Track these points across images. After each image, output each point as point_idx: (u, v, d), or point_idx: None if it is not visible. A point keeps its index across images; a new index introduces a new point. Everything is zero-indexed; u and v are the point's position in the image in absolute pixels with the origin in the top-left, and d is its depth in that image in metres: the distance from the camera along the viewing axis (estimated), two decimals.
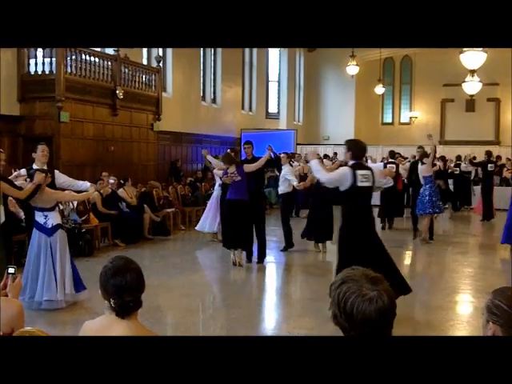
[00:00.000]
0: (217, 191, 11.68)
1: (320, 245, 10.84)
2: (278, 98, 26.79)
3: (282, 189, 11.08)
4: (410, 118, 31.13)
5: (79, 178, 12.61)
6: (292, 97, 27.62)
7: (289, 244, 10.86)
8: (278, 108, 26.79)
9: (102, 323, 2.59)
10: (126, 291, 2.48)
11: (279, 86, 26.78)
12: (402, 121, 31.64)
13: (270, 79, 26.40)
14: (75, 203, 11.25)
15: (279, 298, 8.00)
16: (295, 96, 28.34)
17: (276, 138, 22.34)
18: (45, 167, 7.36)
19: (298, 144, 23.75)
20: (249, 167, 9.30)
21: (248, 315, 6.91)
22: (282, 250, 10.81)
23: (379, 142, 26.13)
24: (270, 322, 6.93)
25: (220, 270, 9.60)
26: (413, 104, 31.14)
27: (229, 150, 11.83)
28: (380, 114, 31.78)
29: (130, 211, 12.13)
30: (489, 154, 16.79)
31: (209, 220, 11.80)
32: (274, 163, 10.53)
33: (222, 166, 9.94)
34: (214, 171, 10.34)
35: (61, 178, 7.87)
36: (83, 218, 10.92)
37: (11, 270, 3.08)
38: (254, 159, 9.77)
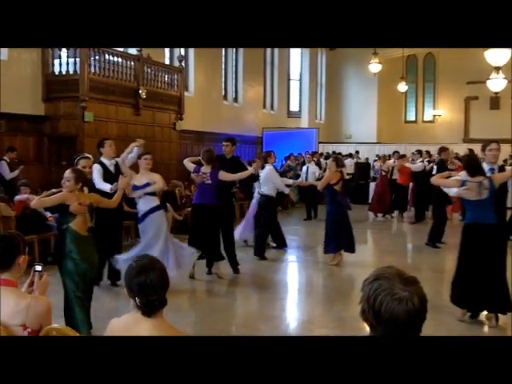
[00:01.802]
0: (256, 199, 10.74)
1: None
2: (300, 96, 26.72)
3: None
4: (434, 116, 30.83)
5: None
6: (314, 95, 27.52)
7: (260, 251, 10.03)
8: (300, 106, 26.72)
9: (128, 321, 2.62)
10: (150, 290, 2.50)
11: (301, 84, 26.71)
12: (425, 119, 31.35)
13: (291, 78, 26.35)
14: None
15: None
16: (317, 94, 28.24)
17: (297, 137, 22.32)
18: (113, 161, 7.85)
19: (319, 142, 23.67)
20: (226, 176, 8.20)
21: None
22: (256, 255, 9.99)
23: (402, 140, 25.90)
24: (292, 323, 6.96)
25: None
26: (436, 102, 30.84)
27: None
28: (403, 112, 31.52)
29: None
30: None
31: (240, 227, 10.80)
32: (256, 178, 9.34)
33: (194, 159, 8.82)
34: (185, 161, 8.79)
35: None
36: None
37: (38, 268, 3.15)
38: (233, 160, 9.00)
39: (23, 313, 2.89)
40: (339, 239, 9.36)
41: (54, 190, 5.70)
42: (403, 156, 16.23)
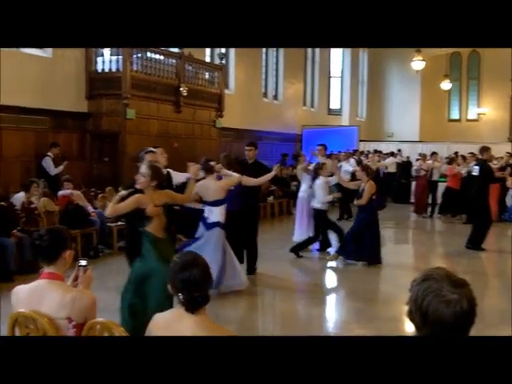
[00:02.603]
0: (303, 193, 10.58)
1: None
2: (341, 93, 26.50)
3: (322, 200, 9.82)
4: (478, 114, 30.21)
5: None
6: (355, 92, 27.27)
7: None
8: (341, 104, 26.50)
9: (172, 317, 2.65)
10: (193, 286, 2.52)
11: (342, 81, 26.48)
12: (469, 117, 30.74)
13: (332, 75, 26.15)
14: None
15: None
16: (358, 91, 27.96)
17: (338, 135, 22.12)
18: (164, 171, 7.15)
19: (360, 141, 23.43)
20: (248, 181, 7.83)
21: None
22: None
23: (446, 138, 25.49)
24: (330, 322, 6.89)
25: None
26: (480, 100, 30.20)
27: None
28: (446, 111, 30.97)
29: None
30: None
31: (297, 228, 10.74)
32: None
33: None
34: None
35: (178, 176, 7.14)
36: None
37: (83, 263, 3.19)
38: (256, 164, 8.60)
39: (69, 306, 2.92)
40: (361, 249, 9.24)
41: (123, 193, 5.08)
42: (452, 160, 16.00)
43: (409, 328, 6.23)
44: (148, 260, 5.04)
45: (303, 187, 10.65)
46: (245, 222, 8.25)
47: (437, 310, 1.83)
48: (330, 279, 9.27)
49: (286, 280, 8.82)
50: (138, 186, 5.08)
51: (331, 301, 7.96)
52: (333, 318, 7.04)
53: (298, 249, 9.88)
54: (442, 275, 1.90)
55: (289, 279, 8.94)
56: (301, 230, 10.53)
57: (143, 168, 5.03)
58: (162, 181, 5.25)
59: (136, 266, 5.21)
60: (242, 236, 8.29)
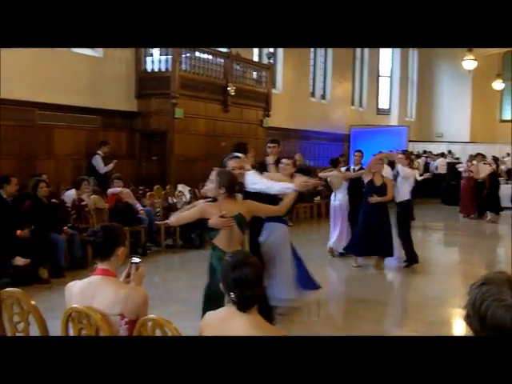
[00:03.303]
0: (339, 201, 9.99)
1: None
2: (390, 93, 26.13)
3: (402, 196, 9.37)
4: None
5: (191, 172, 13.10)
6: (404, 92, 26.85)
7: (413, 257, 9.37)
8: (390, 104, 26.13)
9: (224, 315, 2.65)
10: (245, 285, 2.52)
11: (391, 80, 26.11)
12: None
13: (381, 74, 25.81)
14: (188, 196, 11.59)
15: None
16: (407, 91, 27.53)
17: (386, 135, 21.81)
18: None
19: (410, 141, 23.05)
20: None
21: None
22: (405, 266, 9.34)
23: (496, 139, 24.85)
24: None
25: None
26: None
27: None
28: (498, 111, 30.16)
29: None
30: None
31: (333, 234, 10.10)
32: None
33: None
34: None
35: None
36: None
37: (135, 260, 3.22)
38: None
39: (122, 303, 2.95)
40: (374, 244, 8.95)
41: (197, 203, 4.78)
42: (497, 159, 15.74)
43: (459, 331, 6.08)
44: (216, 279, 4.22)
45: (339, 196, 10.00)
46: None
47: (496, 315, 1.76)
48: (379, 282, 9.10)
49: (336, 284, 8.73)
50: (207, 194, 4.79)
51: (379, 304, 7.81)
52: (382, 321, 6.91)
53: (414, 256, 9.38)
54: (502, 279, 1.83)
55: (338, 282, 8.84)
56: (340, 237, 9.91)
57: (212, 174, 4.65)
58: (234, 189, 4.58)
59: (206, 285, 4.76)
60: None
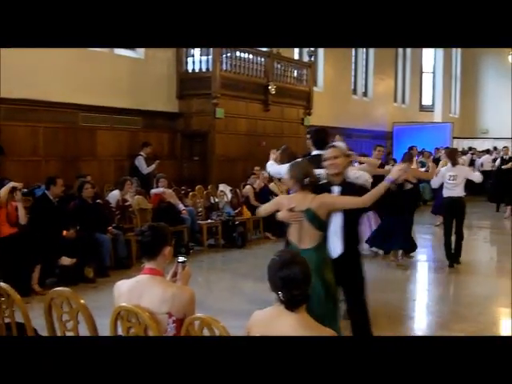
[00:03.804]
0: None
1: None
2: (433, 89, 25.74)
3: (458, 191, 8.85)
4: None
5: (232, 172, 13.11)
6: (448, 88, 26.39)
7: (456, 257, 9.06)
8: (433, 100, 25.73)
9: (272, 314, 2.63)
10: (293, 284, 2.50)
11: (434, 76, 25.71)
12: None
13: (424, 70, 25.44)
14: (229, 196, 11.59)
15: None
16: (451, 87, 27.06)
17: (430, 132, 21.47)
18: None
19: (454, 138, 22.61)
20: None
21: None
22: (450, 266, 8.92)
23: None
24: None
25: None
26: None
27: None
28: None
29: None
30: None
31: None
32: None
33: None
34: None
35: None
36: (237, 211, 11.20)
37: (182, 259, 3.23)
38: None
39: (169, 301, 2.95)
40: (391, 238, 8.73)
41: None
42: None
43: (507, 331, 5.91)
44: None
45: None
46: None
47: None
48: (422, 280, 8.92)
49: (377, 281, 8.57)
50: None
51: (423, 302, 7.65)
52: (427, 319, 6.76)
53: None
54: None
55: (379, 280, 8.69)
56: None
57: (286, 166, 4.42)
58: (303, 182, 4.22)
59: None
60: None
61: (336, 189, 4.44)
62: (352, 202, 4.28)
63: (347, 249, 4.48)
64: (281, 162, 6.42)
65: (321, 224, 4.23)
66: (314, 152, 5.24)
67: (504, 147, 19.22)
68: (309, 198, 4.19)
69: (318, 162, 4.80)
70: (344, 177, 4.50)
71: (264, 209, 4.61)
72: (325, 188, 4.46)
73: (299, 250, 4.02)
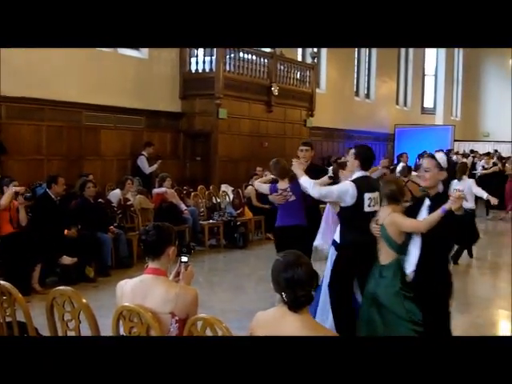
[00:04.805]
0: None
1: None
2: (435, 92, 25.75)
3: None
4: None
5: (234, 172, 13.11)
6: (449, 91, 26.40)
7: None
8: (435, 103, 25.74)
9: (275, 315, 2.63)
10: (297, 285, 2.50)
11: (436, 79, 25.73)
12: None
13: (426, 73, 25.44)
14: (231, 196, 11.59)
15: None
16: (453, 90, 27.07)
17: (432, 134, 21.48)
18: None
19: (455, 140, 22.61)
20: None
21: None
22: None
23: None
24: None
25: None
26: None
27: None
28: None
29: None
30: None
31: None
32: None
33: (265, 178, 7.31)
34: (256, 184, 7.25)
35: None
36: (238, 212, 11.19)
37: (184, 259, 3.23)
38: (312, 169, 6.56)
39: (173, 301, 2.94)
40: None
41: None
42: None
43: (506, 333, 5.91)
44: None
45: None
46: (302, 240, 6.38)
47: None
48: None
49: None
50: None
51: None
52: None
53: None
54: None
55: None
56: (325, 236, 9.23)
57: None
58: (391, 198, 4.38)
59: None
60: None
61: (427, 202, 4.32)
62: (412, 225, 4.24)
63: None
64: (273, 174, 6.57)
65: (390, 242, 4.29)
66: (360, 173, 4.97)
67: (487, 153, 19.31)
68: (386, 212, 4.32)
69: (368, 184, 4.87)
70: (438, 190, 4.33)
71: None
72: (420, 199, 4.45)
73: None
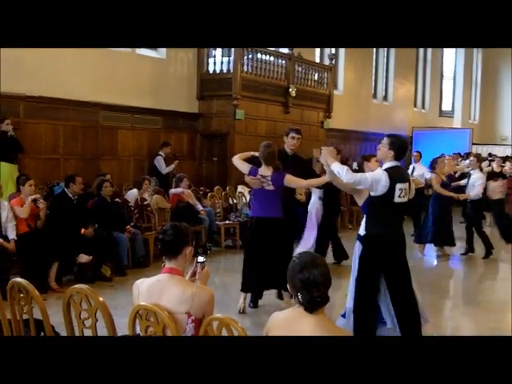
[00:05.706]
0: (315, 204, 9.03)
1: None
2: (453, 95, 25.57)
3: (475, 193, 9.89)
4: None
5: None
6: (468, 94, 26.19)
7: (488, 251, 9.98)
8: (453, 106, 25.55)
9: (291, 315, 2.62)
10: (313, 286, 2.50)
11: (454, 82, 25.53)
12: None
13: (444, 75, 25.26)
14: (248, 197, 11.56)
15: None
16: (471, 93, 26.85)
17: (449, 137, 21.31)
18: None
19: (473, 144, 22.41)
20: (293, 182, 6.15)
21: None
22: (462, 254, 10.16)
23: None
24: None
25: None
26: None
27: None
28: None
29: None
30: None
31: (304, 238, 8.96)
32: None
33: (245, 154, 6.65)
34: (235, 160, 6.60)
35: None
36: None
37: (201, 259, 3.23)
38: (297, 159, 6.73)
39: (189, 301, 2.95)
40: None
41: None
42: None
43: None
44: None
45: (314, 198, 9.13)
46: (290, 233, 6.51)
47: None
48: (432, 282, 8.83)
49: None
50: None
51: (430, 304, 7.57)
52: (443, 323, 6.68)
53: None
54: None
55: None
56: (308, 241, 8.91)
57: None
58: None
59: None
60: (289, 251, 6.28)
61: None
62: None
63: None
64: (259, 156, 6.25)
65: None
66: (392, 163, 4.91)
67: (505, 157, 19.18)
68: None
69: (400, 174, 4.93)
70: None
71: None
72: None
73: None
